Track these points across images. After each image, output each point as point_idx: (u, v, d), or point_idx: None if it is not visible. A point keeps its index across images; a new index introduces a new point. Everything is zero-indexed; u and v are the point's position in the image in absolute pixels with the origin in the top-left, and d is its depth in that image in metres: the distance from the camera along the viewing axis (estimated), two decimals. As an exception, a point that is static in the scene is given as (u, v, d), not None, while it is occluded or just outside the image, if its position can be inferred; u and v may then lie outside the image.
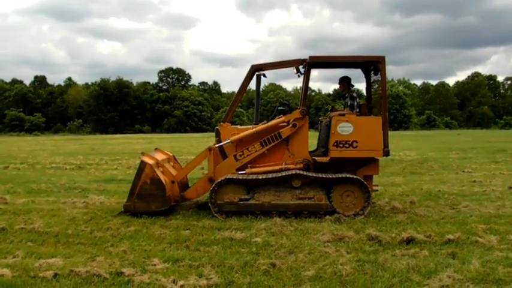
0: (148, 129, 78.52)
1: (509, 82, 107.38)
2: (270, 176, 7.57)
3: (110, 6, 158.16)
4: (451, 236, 6.09)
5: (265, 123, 8.15)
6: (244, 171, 7.84)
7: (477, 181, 11.81)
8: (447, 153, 21.38)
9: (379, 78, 7.92)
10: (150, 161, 7.89)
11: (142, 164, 7.82)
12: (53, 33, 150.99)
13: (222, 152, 8.06)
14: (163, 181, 7.73)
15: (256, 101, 8.72)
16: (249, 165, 7.86)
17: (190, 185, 8.59)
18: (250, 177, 7.63)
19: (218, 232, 6.54)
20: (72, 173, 14.74)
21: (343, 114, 7.86)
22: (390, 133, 7.96)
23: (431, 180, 12.33)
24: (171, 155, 9.00)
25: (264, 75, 8.34)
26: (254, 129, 7.99)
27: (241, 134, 8.05)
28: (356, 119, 7.76)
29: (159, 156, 8.43)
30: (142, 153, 8.17)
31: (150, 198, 7.73)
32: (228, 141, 8.01)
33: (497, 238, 6.11)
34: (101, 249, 5.88)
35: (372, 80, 8.63)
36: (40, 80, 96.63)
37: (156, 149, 8.96)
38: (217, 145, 8.05)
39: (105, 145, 32.09)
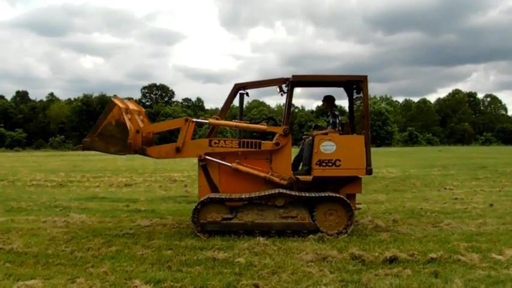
0: (132, 145, 77.69)
1: (488, 99, 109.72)
2: (253, 195, 7.55)
3: (93, 22, 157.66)
4: (433, 255, 6.10)
5: (247, 123, 8.31)
6: (222, 161, 7.83)
7: (459, 198, 11.95)
8: (429, 170, 21.62)
9: (362, 96, 8.01)
10: (121, 105, 7.65)
11: (111, 105, 7.58)
12: (35, 47, 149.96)
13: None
14: (129, 127, 7.54)
15: (240, 119, 8.74)
16: (236, 161, 7.83)
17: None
18: (233, 196, 7.60)
19: (201, 252, 6.48)
20: (53, 191, 14.52)
21: (326, 133, 7.91)
22: (373, 150, 8.00)
23: (413, 197, 12.42)
24: (143, 110, 8.77)
25: (247, 94, 8.37)
26: (234, 123, 8.16)
27: (222, 122, 8.14)
28: (339, 137, 7.81)
29: (131, 106, 8.18)
30: (115, 96, 7.90)
31: (110, 140, 7.56)
32: (207, 121, 8.07)
33: (479, 256, 6.15)
34: (81, 270, 5.77)
35: (354, 97, 8.72)
36: (22, 95, 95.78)
37: (129, 98, 8.71)
38: (194, 120, 8.00)
39: (87, 162, 31.65)
